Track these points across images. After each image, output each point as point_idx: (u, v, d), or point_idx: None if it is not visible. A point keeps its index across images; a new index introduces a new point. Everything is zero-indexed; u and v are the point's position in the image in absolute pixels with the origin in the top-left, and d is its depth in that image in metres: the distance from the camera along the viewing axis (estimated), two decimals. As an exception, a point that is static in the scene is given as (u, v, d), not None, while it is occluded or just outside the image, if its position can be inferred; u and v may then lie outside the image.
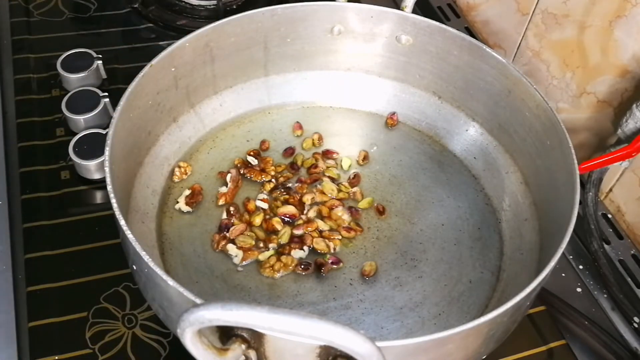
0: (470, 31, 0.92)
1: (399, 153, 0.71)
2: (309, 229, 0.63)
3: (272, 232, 0.63)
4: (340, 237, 0.63)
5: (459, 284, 0.61)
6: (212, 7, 0.92)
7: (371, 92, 0.75)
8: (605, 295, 0.66)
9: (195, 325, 0.34)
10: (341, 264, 0.61)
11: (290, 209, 0.64)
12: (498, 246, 0.64)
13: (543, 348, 0.61)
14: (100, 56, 0.78)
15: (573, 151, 0.56)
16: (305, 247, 0.62)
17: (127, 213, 0.58)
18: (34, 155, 0.72)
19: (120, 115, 0.56)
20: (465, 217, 0.66)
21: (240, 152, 0.70)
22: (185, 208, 0.64)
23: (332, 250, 0.62)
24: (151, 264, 0.46)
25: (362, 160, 0.70)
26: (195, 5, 0.92)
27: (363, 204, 0.66)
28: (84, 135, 0.70)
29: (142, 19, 0.90)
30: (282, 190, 0.66)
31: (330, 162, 0.70)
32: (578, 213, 0.52)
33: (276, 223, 0.63)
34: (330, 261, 0.61)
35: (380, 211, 0.66)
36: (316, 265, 0.61)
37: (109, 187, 0.50)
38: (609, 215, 0.73)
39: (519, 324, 0.53)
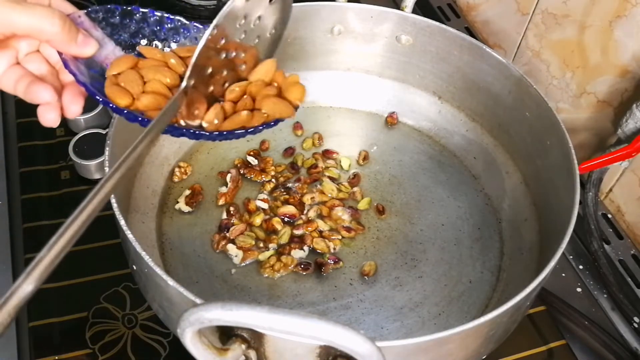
0: (470, 31, 0.92)
1: (399, 153, 0.71)
2: (309, 229, 0.63)
3: (272, 232, 0.63)
4: (340, 237, 0.63)
5: (459, 284, 0.61)
6: (212, 7, 0.92)
7: (371, 92, 0.75)
8: (605, 295, 0.66)
9: (195, 325, 0.34)
10: (341, 264, 0.61)
11: (290, 209, 0.64)
12: (498, 246, 0.64)
13: (543, 348, 0.61)
14: (100, 56, 0.78)
15: (573, 151, 0.56)
16: (305, 247, 0.62)
17: (127, 213, 0.58)
18: (34, 155, 0.71)
19: (120, 115, 0.55)
20: (465, 217, 0.66)
21: (240, 152, 0.70)
22: (185, 208, 0.64)
23: (332, 250, 0.62)
24: (151, 264, 0.46)
25: (362, 160, 0.70)
26: (195, 5, 0.92)
27: (363, 204, 0.66)
28: (84, 135, 0.70)
29: (142, 19, 0.90)
30: (282, 190, 0.66)
31: (330, 162, 0.70)
32: (578, 213, 0.52)
33: (276, 223, 0.63)
34: (330, 261, 0.61)
35: (380, 211, 0.66)
36: (316, 265, 0.61)
37: (109, 187, 0.50)
38: (609, 215, 0.73)
39: (519, 324, 0.53)
